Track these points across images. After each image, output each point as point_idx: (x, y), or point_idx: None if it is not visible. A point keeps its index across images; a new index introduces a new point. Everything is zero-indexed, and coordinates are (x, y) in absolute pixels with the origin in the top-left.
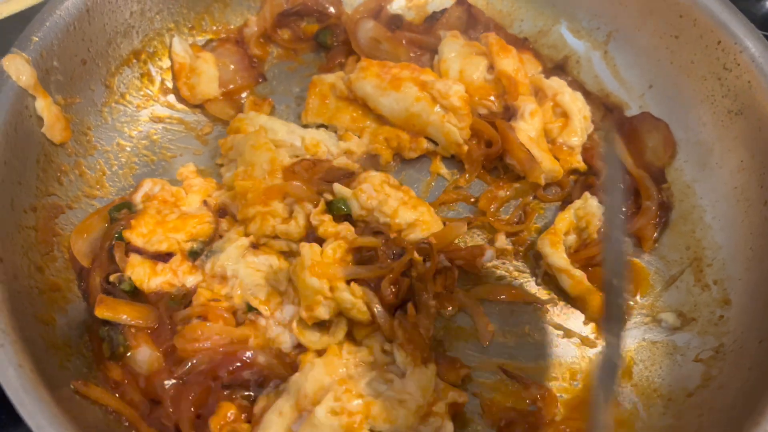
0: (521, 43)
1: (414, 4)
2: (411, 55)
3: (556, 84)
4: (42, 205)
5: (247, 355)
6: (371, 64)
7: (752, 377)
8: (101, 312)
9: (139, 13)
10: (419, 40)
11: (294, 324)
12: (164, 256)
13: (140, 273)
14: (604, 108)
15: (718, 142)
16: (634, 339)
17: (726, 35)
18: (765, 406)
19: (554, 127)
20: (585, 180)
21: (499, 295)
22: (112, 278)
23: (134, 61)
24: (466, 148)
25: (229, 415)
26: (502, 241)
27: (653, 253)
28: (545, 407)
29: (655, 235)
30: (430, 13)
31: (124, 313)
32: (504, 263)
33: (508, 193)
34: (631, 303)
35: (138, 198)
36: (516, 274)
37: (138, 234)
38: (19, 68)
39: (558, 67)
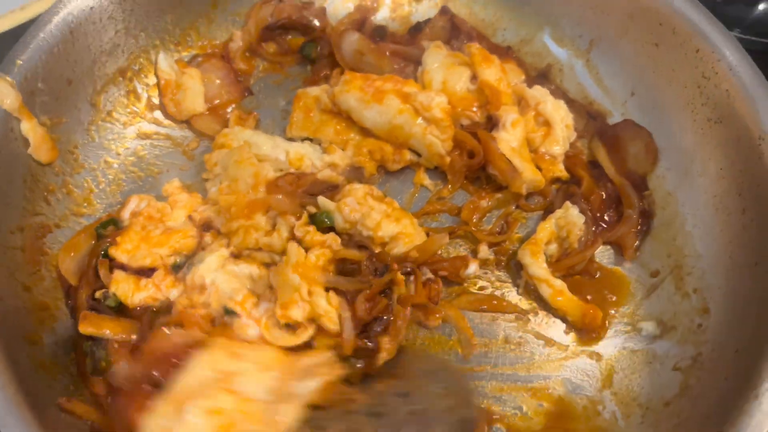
0: (504, 52)
1: (398, 15)
2: (395, 66)
3: (539, 93)
4: (29, 225)
5: None
6: (354, 77)
7: (728, 387)
8: (84, 328)
9: (123, 31)
10: (403, 51)
11: (264, 319)
12: (147, 271)
13: (124, 288)
14: (587, 116)
15: (698, 149)
16: (615, 347)
17: (704, 44)
18: (738, 418)
19: (537, 136)
20: (567, 189)
21: (480, 306)
22: (97, 295)
23: (120, 78)
24: (448, 159)
25: None
26: (484, 251)
27: (634, 261)
28: None
29: (637, 243)
30: (414, 24)
31: (107, 329)
32: (486, 273)
33: (490, 203)
34: (613, 312)
35: (125, 214)
36: (498, 284)
37: (123, 250)
38: (3, 92)
39: (541, 76)
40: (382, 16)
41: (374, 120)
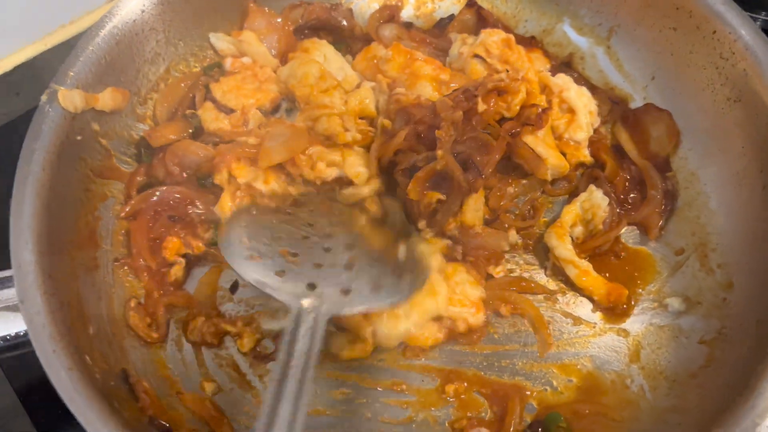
0: (529, 42)
1: (422, 12)
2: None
3: (562, 81)
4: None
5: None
6: (399, 51)
7: (750, 356)
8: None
9: (164, 41)
10: (434, 42)
11: None
12: (230, 111)
13: (208, 116)
14: (610, 101)
15: (719, 129)
16: (642, 324)
17: (721, 25)
18: (760, 384)
19: (561, 123)
20: (591, 173)
21: (510, 287)
22: (187, 112)
23: (162, 86)
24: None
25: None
26: (513, 236)
27: (659, 240)
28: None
29: (661, 223)
30: (437, 20)
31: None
32: (514, 256)
33: (516, 189)
34: (639, 291)
35: (227, 64)
36: (526, 266)
37: (219, 89)
38: (69, 100)
39: (564, 64)
40: (406, 14)
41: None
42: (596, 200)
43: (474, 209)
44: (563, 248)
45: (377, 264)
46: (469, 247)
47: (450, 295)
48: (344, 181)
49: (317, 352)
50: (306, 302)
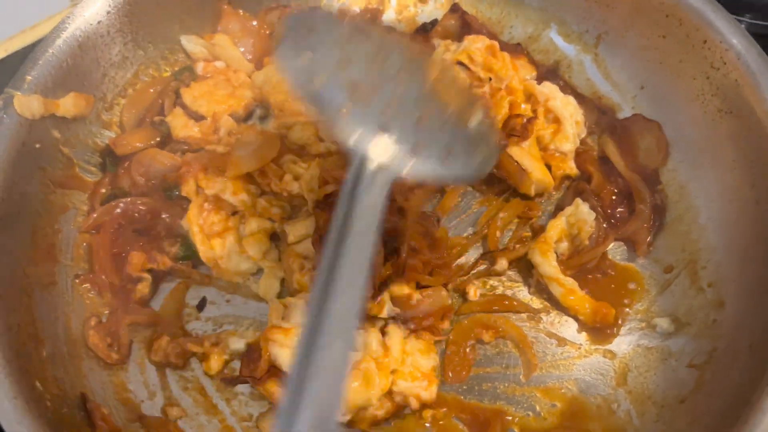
0: (515, 49)
1: (404, 17)
2: None
3: (548, 89)
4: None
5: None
6: None
7: (742, 381)
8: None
9: (132, 44)
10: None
11: None
12: (200, 118)
13: (177, 122)
14: (597, 111)
15: (710, 141)
16: (629, 345)
17: (711, 34)
18: (753, 413)
19: (546, 133)
20: (577, 186)
21: (491, 306)
22: (155, 119)
23: (130, 91)
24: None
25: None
26: (502, 264)
27: (648, 257)
28: None
29: (650, 238)
30: (420, 24)
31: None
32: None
33: (506, 214)
34: (627, 310)
35: (199, 68)
36: (509, 283)
37: (190, 94)
38: (26, 106)
39: (550, 72)
40: (388, 18)
41: None
42: (582, 215)
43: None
44: (548, 266)
45: (448, 128)
46: (412, 317)
47: (399, 368)
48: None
49: (379, 223)
50: (373, 151)
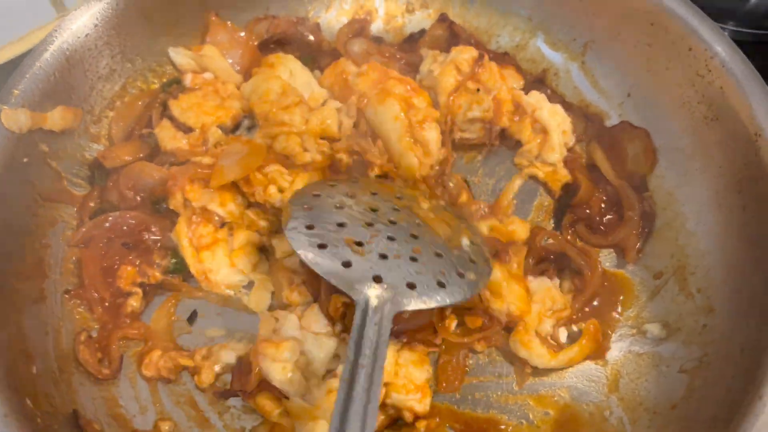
0: (502, 58)
1: (391, 27)
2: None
3: (535, 99)
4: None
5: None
6: (375, 68)
7: (734, 387)
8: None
9: (120, 56)
10: (404, 57)
11: None
12: (188, 129)
13: (165, 134)
14: (585, 119)
15: (697, 148)
16: (620, 351)
17: (696, 41)
18: (744, 418)
19: (533, 145)
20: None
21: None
22: (143, 131)
23: (118, 104)
24: (423, 186)
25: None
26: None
27: (637, 263)
28: None
29: (639, 245)
30: (408, 35)
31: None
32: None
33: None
34: (617, 316)
35: (187, 80)
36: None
37: (178, 106)
38: (13, 120)
39: (537, 81)
40: (376, 28)
41: (370, 115)
42: (552, 291)
43: None
44: (535, 357)
45: (441, 257)
46: (404, 330)
47: (392, 380)
48: None
49: (385, 350)
50: (373, 296)
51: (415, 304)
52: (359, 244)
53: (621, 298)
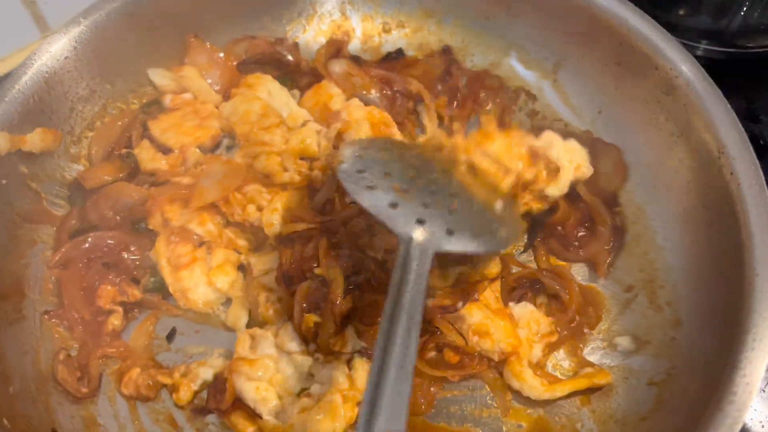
0: (481, 76)
1: (369, 46)
2: (384, 92)
3: (545, 140)
4: None
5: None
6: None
7: (698, 399)
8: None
9: (99, 78)
10: (386, 76)
11: None
12: (167, 150)
13: (145, 155)
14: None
15: (665, 164)
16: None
17: (662, 61)
18: (706, 430)
19: (542, 184)
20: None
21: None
22: (123, 152)
23: (98, 124)
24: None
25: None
26: None
27: (609, 277)
28: None
29: (609, 259)
30: (384, 54)
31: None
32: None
33: None
34: (585, 331)
35: (166, 101)
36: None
37: (158, 127)
38: None
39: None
40: (353, 48)
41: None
42: (535, 317)
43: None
44: (527, 389)
45: (477, 214)
46: None
47: None
48: None
49: (426, 285)
50: (417, 234)
51: (454, 246)
52: (405, 191)
53: (600, 312)
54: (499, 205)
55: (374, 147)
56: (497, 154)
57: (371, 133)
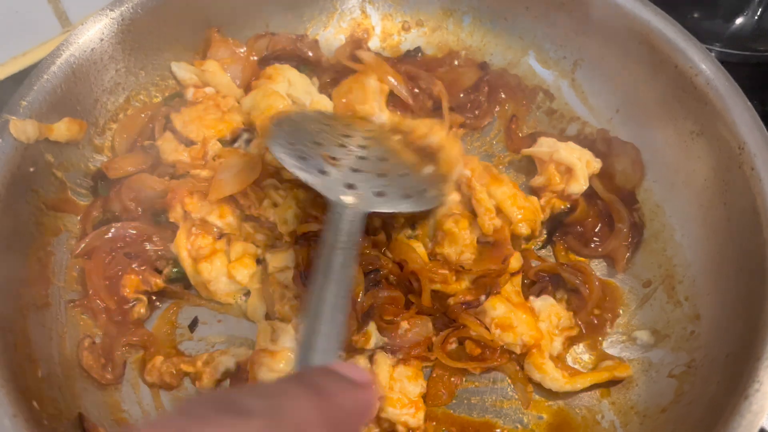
0: (502, 76)
1: (388, 44)
2: (415, 90)
3: (547, 146)
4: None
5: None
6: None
7: (720, 390)
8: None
9: (124, 70)
10: (413, 72)
11: None
12: (190, 142)
13: (167, 146)
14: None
15: (683, 162)
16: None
17: (682, 60)
18: (730, 418)
19: (559, 186)
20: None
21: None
22: (145, 143)
23: (121, 116)
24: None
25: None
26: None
27: (627, 272)
28: None
29: (628, 255)
30: (404, 52)
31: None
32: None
33: None
34: (608, 329)
35: (189, 94)
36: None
37: (180, 119)
38: (21, 130)
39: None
40: (373, 45)
41: None
42: (554, 309)
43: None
44: (549, 381)
45: (406, 177)
46: (400, 347)
47: (387, 395)
48: None
49: (357, 243)
50: (346, 198)
51: (383, 207)
52: (334, 158)
53: (617, 308)
54: (429, 168)
55: (305, 119)
56: (500, 200)
57: None
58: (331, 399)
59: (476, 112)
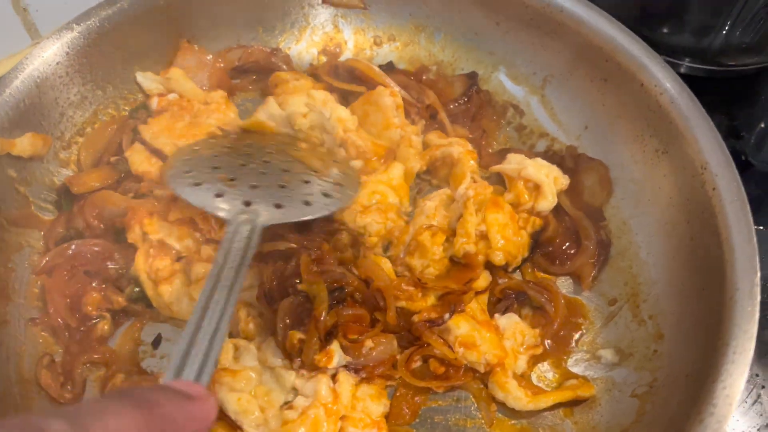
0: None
1: (360, 59)
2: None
3: (516, 162)
4: None
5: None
6: None
7: (679, 412)
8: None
9: (91, 84)
10: (405, 82)
11: None
12: (160, 153)
13: (136, 158)
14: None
15: (649, 179)
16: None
17: (648, 78)
18: None
19: (528, 205)
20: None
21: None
22: (112, 159)
23: (88, 130)
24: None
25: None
26: None
27: (593, 290)
28: None
29: (594, 272)
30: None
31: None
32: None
33: None
34: (573, 345)
35: (153, 104)
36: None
37: (149, 131)
38: None
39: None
40: (345, 59)
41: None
42: (520, 328)
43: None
44: (512, 400)
45: (309, 183)
46: (364, 366)
47: (349, 414)
48: None
49: (249, 257)
50: (241, 216)
51: (280, 218)
52: (232, 180)
53: (582, 322)
54: (334, 171)
55: (203, 146)
56: (489, 224)
57: None
58: (154, 411)
59: (470, 124)
